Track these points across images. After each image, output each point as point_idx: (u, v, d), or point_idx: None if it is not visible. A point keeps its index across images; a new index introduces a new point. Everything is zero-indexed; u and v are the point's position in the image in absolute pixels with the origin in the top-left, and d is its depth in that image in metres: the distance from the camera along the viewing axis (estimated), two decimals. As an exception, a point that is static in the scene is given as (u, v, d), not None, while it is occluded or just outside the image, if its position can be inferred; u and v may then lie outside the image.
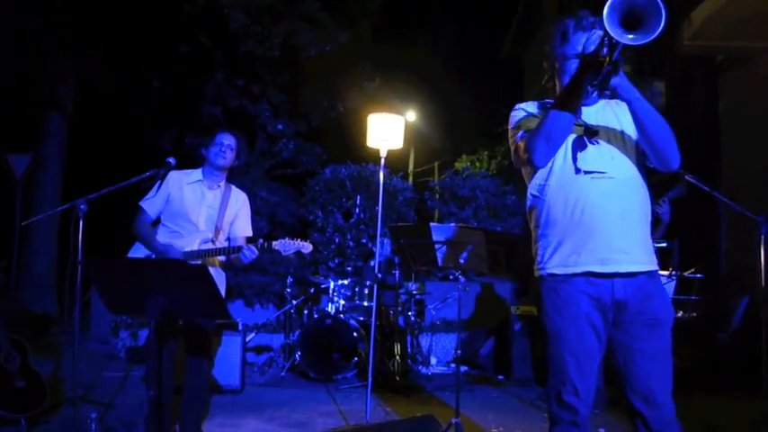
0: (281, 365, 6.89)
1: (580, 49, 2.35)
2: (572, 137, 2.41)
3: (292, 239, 3.92)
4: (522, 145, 2.47)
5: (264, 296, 8.18)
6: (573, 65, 2.39)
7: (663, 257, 4.67)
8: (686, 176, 4.16)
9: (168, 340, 3.85)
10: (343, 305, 6.86)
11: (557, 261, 2.42)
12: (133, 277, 3.11)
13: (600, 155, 2.39)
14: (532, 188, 2.53)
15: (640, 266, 2.37)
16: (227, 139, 4.14)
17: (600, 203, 2.34)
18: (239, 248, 3.92)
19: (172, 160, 3.78)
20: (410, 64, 16.90)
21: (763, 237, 3.98)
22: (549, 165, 2.43)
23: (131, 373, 5.98)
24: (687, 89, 9.04)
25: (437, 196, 9.37)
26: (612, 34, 2.01)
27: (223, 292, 4.07)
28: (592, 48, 2.25)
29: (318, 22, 10.19)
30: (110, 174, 4.50)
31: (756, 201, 6.45)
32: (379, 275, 6.10)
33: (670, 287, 4.81)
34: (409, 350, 7.10)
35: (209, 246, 4.03)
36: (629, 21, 2.03)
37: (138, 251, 4.05)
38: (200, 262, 3.91)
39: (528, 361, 6.68)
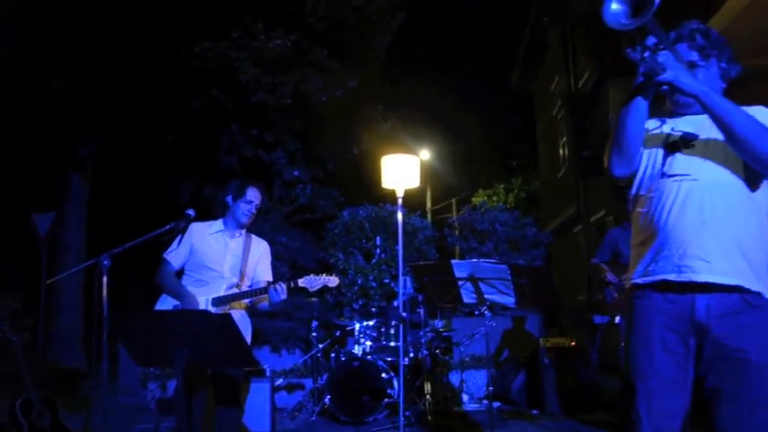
0: (310, 410, 6.80)
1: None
2: (663, 145, 2.24)
3: (317, 275, 3.97)
4: (604, 156, 2.30)
5: (290, 341, 8.14)
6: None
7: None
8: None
9: (197, 390, 3.83)
10: (370, 346, 6.79)
11: (639, 270, 2.21)
12: (158, 329, 3.12)
13: (690, 159, 2.18)
14: (629, 207, 2.36)
15: (724, 279, 2.05)
16: (257, 198, 4.15)
17: (678, 206, 2.13)
18: (266, 289, 3.92)
19: (191, 212, 3.85)
20: (421, 102, 17.12)
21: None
22: (640, 174, 2.27)
23: (162, 425, 5.92)
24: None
25: (456, 232, 9.35)
26: (612, 23, 1.96)
27: (249, 337, 4.08)
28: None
29: (327, 69, 10.37)
30: (131, 228, 4.56)
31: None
32: (404, 314, 6.05)
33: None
34: (440, 388, 6.98)
35: (235, 290, 4.04)
36: (638, 7, 1.94)
37: (165, 303, 4.07)
38: (227, 307, 3.96)
39: (559, 393, 6.53)
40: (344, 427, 6.29)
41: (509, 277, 4.15)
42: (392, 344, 6.79)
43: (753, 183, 2.15)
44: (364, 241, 8.79)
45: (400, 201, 5.25)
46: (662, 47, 2.01)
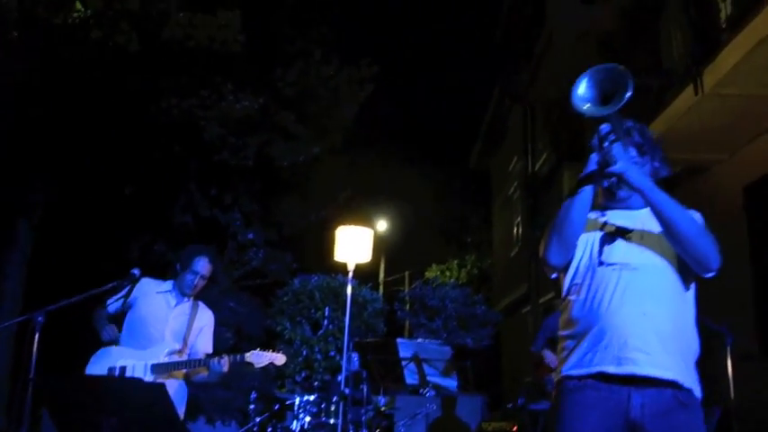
0: (243, 487, 6.52)
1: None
2: (599, 234, 2.22)
3: (264, 351, 3.91)
4: (541, 243, 2.28)
5: (227, 413, 7.87)
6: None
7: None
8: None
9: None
10: (309, 422, 6.60)
11: (573, 362, 2.12)
12: (85, 395, 2.99)
13: (629, 248, 2.16)
14: (563, 293, 2.29)
15: (664, 373, 2.00)
16: (205, 269, 4.05)
17: (618, 296, 2.08)
18: (207, 361, 3.82)
19: (136, 272, 3.81)
20: (382, 175, 17.33)
21: (729, 348, 3.98)
22: (575, 262, 2.22)
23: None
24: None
25: (407, 307, 9.34)
26: (578, 106, 1.98)
27: (183, 407, 3.96)
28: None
29: (292, 133, 10.47)
30: (75, 281, 4.44)
31: (720, 311, 6.52)
32: (346, 391, 5.93)
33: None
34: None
35: (176, 358, 3.93)
36: (606, 96, 1.98)
37: (96, 367, 3.91)
38: (166, 375, 3.85)
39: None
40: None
41: (452, 359, 4.13)
42: (331, 421, 6.61)
43: (685, 279, 2.18)
44: (313, 311, 8.70)
45: (351, 274, 5.24)
46: (614, 138, 2.06)
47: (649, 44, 8.36)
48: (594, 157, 2.13)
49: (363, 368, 6.88)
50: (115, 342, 3.90)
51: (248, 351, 3.93)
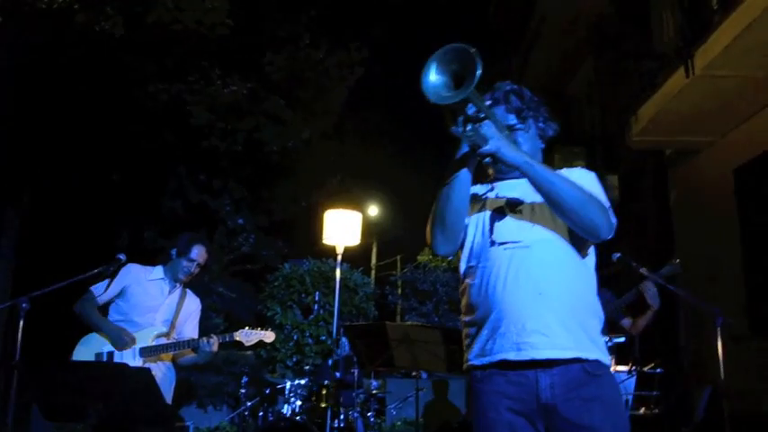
0: (234, 471, 6.52)
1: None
2: (489, 211, 2.11)
3: (253, 329, 3.95)
4: (427, 232, 2.14)
5: (218, 397, 7.87)
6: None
7: (622, 353, 4.62)
8: (641, 270, 4.17)
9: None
10: (300, 406, 6.59)
11: (475, 351, 2.03)
12: (71, 381, 2.97)
13: (519, 225, 2.05)
14: (461, 276, 2.16)
15: (565, 352, 1.93)
16: (202, 257, 4.06)
17: (512, 277, 1.98)
18: (196, 342, 3.81)
19: (122, 256, 3.80)
20: (373, 159, 17.25)
21: (719, 328, 3.97)
22: (468, 245, 2.11)
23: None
24: (640, 183, 9.34)
25: (398, 291, 9.33)
26: (431, 97, 1.84)
27: (172, 390, 3.96)
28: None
29: (282, 118, 10.39)
30: (63, 269, 4.40)
31: (711, 291, 6.54)
32: (338, 374, 5.92)
33: (630, 383, 4.74)
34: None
35: (164, 341, 3.93)
36: (458, 78, 1.84)
37: (83, 353, 3.88)
38: (155, 358, 3.85)
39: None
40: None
41: (443, 342, 4.11)
42: (323, 405, 6.60)
43: (581, 247, 2.07)
44: (304, 296, 8.68)
45: (339, 257, 5.22)
46: (482, 116, 1.90)
47: (641, 27, 8.33)
48: (464, 143, 1.98)
49: (352, 351, 6.88)
50: (132, 345, 3.86)
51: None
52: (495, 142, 1.90)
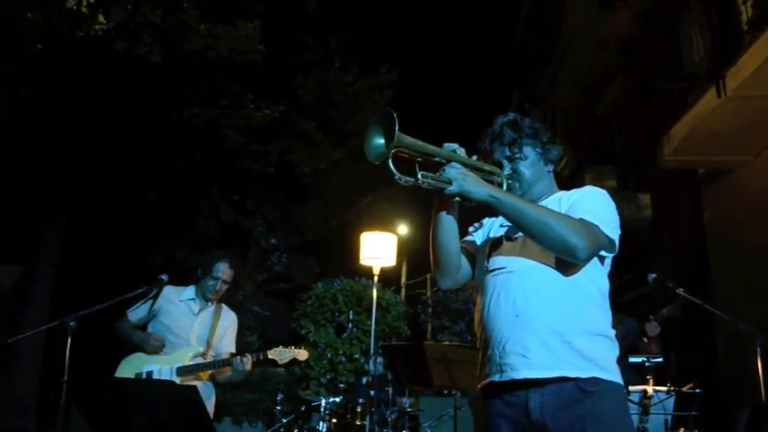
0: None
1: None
2: (492, 241, 2.21)
3: (286, 347, 4.02)
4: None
5: (253, 414, 7.94)
6: None
7: (660, 373, 4.60)
8: (677, 291, 4.16)
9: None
10: (335, 423, 6.63)
11: (480, 375, 2.13)
12: (119, 397, 3.05)
13: (512, 251, 2.12)
14: None
15: (544, 372, 1.94)
16: (226, 274, 4.14)
17: (494, 301, 2.06)
18: (230, 360, 3.89)
19: (164, 277, 3.85)
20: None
21: (759, 349, 3.94)
22: (476, 273, 2.24)
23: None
24: (672, 202, 9.27)
25: (429, 310, 9.35)
26: (376, 155, 1.96)
27: (211, 407, 4.02)
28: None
29: (313, 140, 10.56)
30: (101, 288, 4.53)
31: (748, 310, 6.46)
32: (372, 393, 5.96)
33: (669, 403, 4.71)
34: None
35: (200, 360, 4.00)
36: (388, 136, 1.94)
37: (124, 373, 3.99)
38: (192, 377, 3.92)
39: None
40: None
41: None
42: (357, 422, 6.64)
43: (573, 270, 2.05)
44: (337, 314, 8.74)
45: (376, 278, 5.28)
46: (438, 160, 2.00)
47: (669, 48, 8.34)
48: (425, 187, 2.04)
49: (389, 370, 6.90)
50: (161, 348, 3.97)
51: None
52: (459, 182, 1.97)
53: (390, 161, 1.95)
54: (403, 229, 19.42)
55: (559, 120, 14.98)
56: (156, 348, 3.95)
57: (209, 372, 4.05)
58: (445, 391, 7.97)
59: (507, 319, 2.01)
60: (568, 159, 14.31)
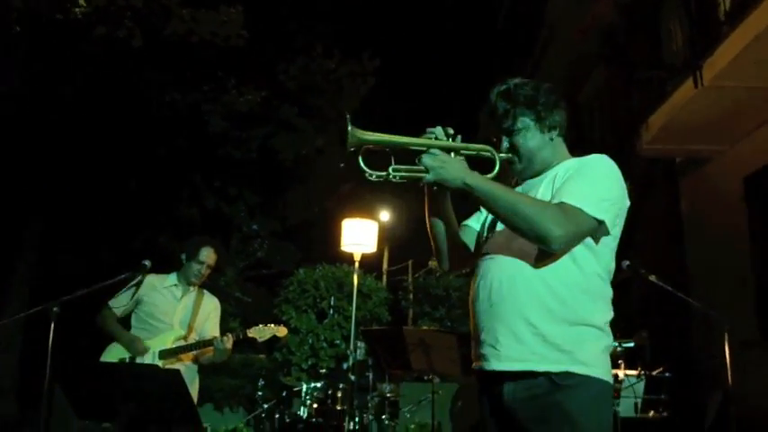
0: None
1: None
2: (491, 221, 2.11)
3: (265, 325, 4.05)
4: None
5: (235, 399, 7.99)
6: None
7: (632, 358, 4.73)
8: (649, 278, 4.25)
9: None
10: (316, 409, 6.70)
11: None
12: (104, 381, 3.08)
13: (500, 235, 2.02)
14: None
15: (513, 365, 1.88)
16: (210, 258, 4.19)
17: (474, 289, 2.00)
18: (212, 341, 3.94)
19: (147, 263, 3.83)
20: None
21: (726, 335, 4.06)
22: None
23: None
24: (650, 190, 9.40)
25: (410, 296, 9.43)
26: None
27: (195, 391, 4.05)
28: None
29: (295, 126, 10.55)
30: (82, 275, 4.52)
31: (721, 298, 6.61)
32: (353, 378, 6.03)
33: (639, 387, 4.83)
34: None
35: (182, 343, 4.05)
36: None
37: (111, 355, 4.02)
38: (174, 359, 3.96)
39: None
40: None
41: (458, 347, 4.22)
42: (338, 407, 6.71)
43: (549, 252, 1.91)
44: (318, 300, 8.79)
45: (357, 264, 5.34)
46: (417, 149, 1.94)
47: (650, 38, 8.42)
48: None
49: (370, 356, 6.98)
50: (144, 354, 3.98)
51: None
52: (436, 170, 1.89)
53: (361, 159, 1.91)
54: (385, 215, 19.47)
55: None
56: (138, 353, 3.96)
57: (193, 354, 4.09)
58: (425, 377, 8.07)
59: (483, 308, 1.95)
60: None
